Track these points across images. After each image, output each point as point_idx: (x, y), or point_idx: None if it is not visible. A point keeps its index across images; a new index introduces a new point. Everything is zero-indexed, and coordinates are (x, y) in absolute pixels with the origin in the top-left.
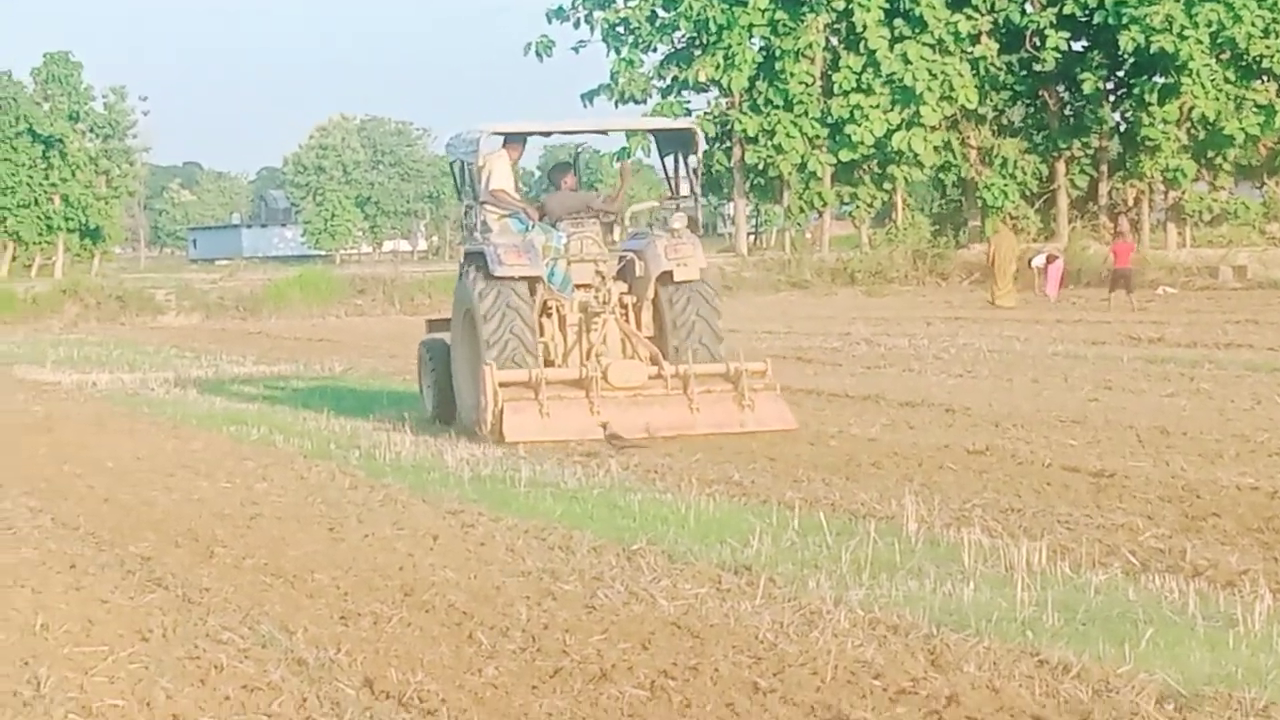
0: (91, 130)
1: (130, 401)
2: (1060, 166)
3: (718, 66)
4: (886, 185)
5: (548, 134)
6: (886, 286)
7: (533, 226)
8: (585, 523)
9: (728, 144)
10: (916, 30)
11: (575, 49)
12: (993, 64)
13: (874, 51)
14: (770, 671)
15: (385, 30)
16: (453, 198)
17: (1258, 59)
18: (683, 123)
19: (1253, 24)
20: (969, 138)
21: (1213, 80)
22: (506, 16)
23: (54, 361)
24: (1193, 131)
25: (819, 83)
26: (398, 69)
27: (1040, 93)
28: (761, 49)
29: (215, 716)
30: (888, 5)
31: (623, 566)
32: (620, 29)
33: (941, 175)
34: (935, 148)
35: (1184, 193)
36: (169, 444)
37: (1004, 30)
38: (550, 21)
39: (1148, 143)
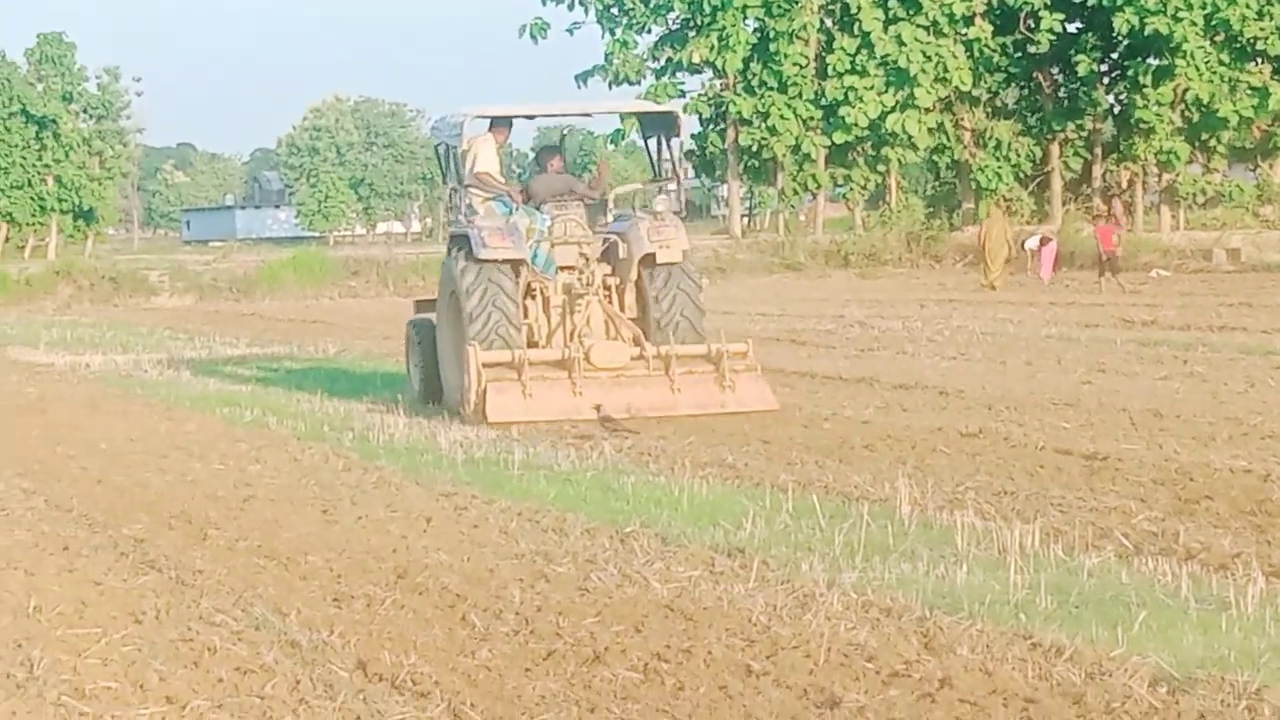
0: (85, 111)
1: (124, 383)
2: (1054, 149)
3: (712, 48)
4: (880, 167)
5: (532, 117)
6: (880, 269)
7: (517, 209)
8: (578, 505)
9: (722, 125)
10: (911, 12)
11: (570, 30)
12: (987, 46)
13: (868, 33)
14: (763, 654)
15: (379, 11)
16: None
17: (1252, 41)
18: (665, 106)
19: (1247, 6)
20: (963, 120)
21: (1207, 62)
22: None
23: (47, 343)
24: (1187, 114)
25: (813, 64)
26: (392, 50)
27: (1034, 75)
28: (756, 30)
29: (208, 698)
30: None
31: (616, 549)
32: (615, 10)
33: (935, 157)
34: (929, 130)
35: (1178, 175)
36: (162, 426)
37: (998, 12)
38: (545, 3)
39: (1142, 125)
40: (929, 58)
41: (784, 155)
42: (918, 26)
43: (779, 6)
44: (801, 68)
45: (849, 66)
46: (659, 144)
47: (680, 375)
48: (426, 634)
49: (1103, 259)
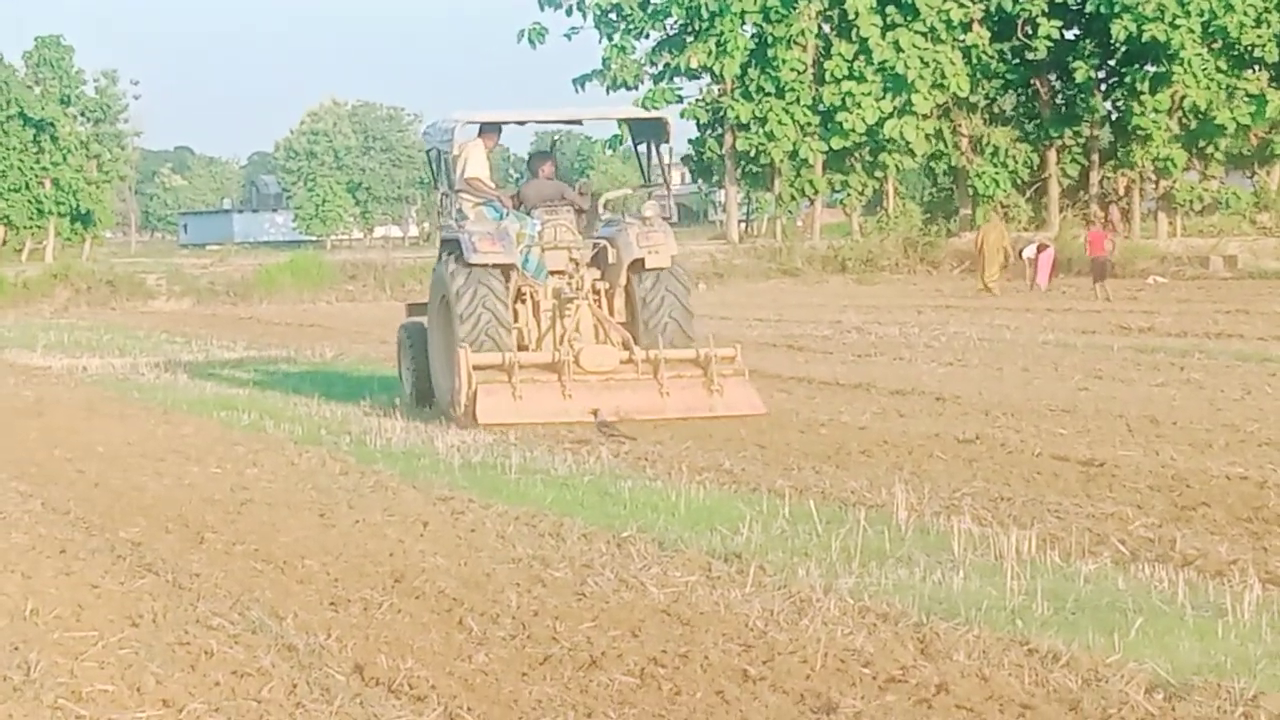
0: (83, 114)
1: (121, 386)
2: (1051, 155)
3: (710, 53)
4: (878, 173)
5: (523, 123)
6: (877, 274)
7: (507, 214)
8: (576, 510)
9: (719, 131)
10: (908, 18)
11: (568, 35)
12: (984, 52)
13: (866, 39)
14: (760, 659)
15: (377, 15)
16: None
17: (1249, 48)
18: (655, 113)
19: (1244, 13)
20: (960, 126)
21: (1204, 69)
22: (499, 2)
23: (44, 346)
24: (1184, 121)
25: (811, 70)
26: (390, 54)
27: (1032, 81)
28: (754, 36)
29: (205, 702)
30: None
31: (613, 554)
32: (612, 15)
33: (933, 163)
34: (927, 136)
35: (1175, 182)
36: (159, 429)
37: (996, 18)
38: (543, 9)
39: (1139, 132)
40: (927, 64)
41: (781, 161)
42: (915, 33)
43: (777, 12)
44: (799, 73)
45: (847, 72)
46: (649, 150)
47: (669, 379)
48: (423, 638)
49: (1093, 265)
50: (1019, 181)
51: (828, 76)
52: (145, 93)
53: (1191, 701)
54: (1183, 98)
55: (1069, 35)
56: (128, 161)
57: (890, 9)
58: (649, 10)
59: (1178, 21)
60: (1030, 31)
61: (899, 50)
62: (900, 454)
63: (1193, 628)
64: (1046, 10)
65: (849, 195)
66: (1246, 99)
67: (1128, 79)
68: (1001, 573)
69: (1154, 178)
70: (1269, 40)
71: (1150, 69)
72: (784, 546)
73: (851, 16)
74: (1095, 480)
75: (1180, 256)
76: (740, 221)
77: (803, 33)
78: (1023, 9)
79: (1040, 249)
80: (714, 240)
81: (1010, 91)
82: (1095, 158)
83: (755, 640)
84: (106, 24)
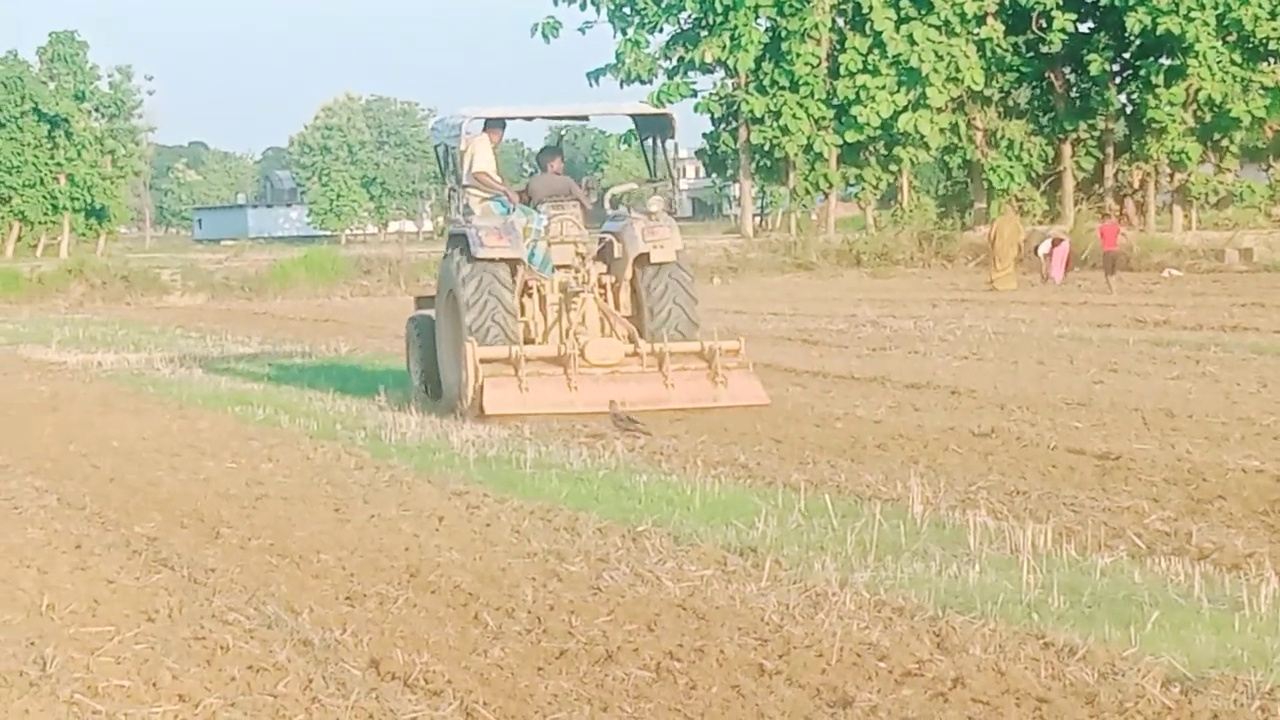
0: (97, 110)
1: (136, 381)
2: (1066, 149)
3: (724, 47)
4: (892, 167)
5: (530, 119)
6: (892, 268)
7: (514, 209)
8: (591, 504)
9: (734, 125)
10: (923, 11)
11: (581, 30)
12: (999, 45)
13: (880, 33)
14: (776, 653)
15: (391, 10)
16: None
17: (1264, 41)
18: (661, 109)
19: (1260, 6)
20: (975, 119)
21: (1219, 62)
22: None
23: (59, 341)
24: (1199, 114)
25: (825, 64)
26: (404, 49)
27: (1046, 74)
28: (768, 30)
29: (221, 697)
30: None
31: (628, 548)
32: (626, 9)
33: (947, 157)
34: (941, 129)
35: (1190, 175)
36: (174, 424)
37: (1010, 11)
38: (557, 3)
39: (1154, 125)
40: (941, 57)
41: (796, 154)
42: (930, 26)
43: (791, 6)
44: (813, 67)
45: (861, 66)
46: (655, 145)
47: (674, 371)
48: (439, 632)
49: (1106, 259)
50: (1034, 175)
51: (842, 70)
52: (159, 88)
53: (1208, 695)
54: (1198, 91)
55: (1084, 28)
56: (142, 157)
57: (904, 2)
58: (663, 4)
59: (1193, 14)
60: (1045, 25)
61: (913, 44)
62: (915, 448)
63: (1209, 621)
64: (1061, 3)
65: (863, 189)
66: (1262, 92)
67: (1142, 72)
68: (1017, 566)
69: (1169, 171)
70: None
71: (1165, 62)
72: (799, 540)
73: (865, 10)
74: (1111, 474)
75: (1195, 250)
76: (755, 215)
77: (817, 26)
78: (1037, 2)
79: (1055, 243)
80: (728, 234)
81: (1025, 85)
82: (1110, 151)
83: (771, 634)
84: (121, 20)
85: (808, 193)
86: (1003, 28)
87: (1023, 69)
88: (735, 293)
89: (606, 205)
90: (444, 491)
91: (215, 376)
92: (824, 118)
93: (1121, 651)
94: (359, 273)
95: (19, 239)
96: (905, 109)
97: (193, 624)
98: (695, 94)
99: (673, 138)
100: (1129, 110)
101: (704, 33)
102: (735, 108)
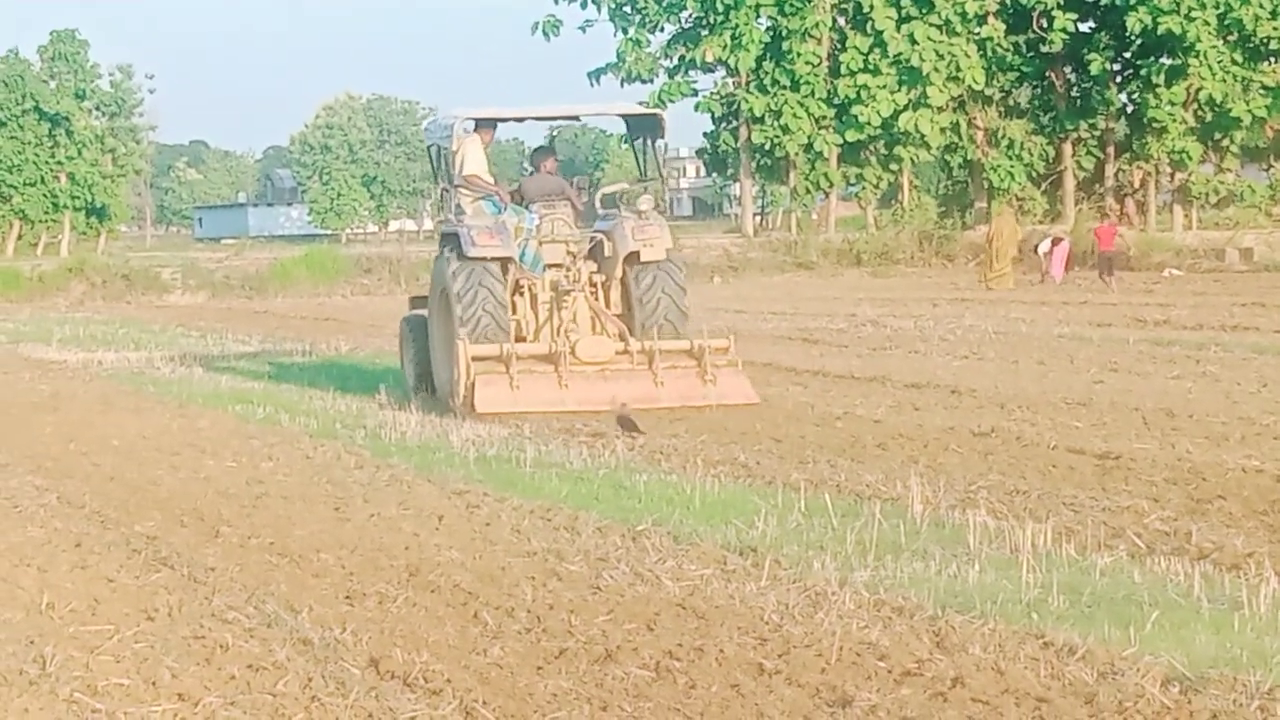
0: (98, 108)
1: (136, 380)
2: (1067, 148)
3: (725, 46)
4: (893, 166)
5: (521, 120)
6: (892, 268)
7: (506, 209)
8: (591, 503)
9: (734, 124)
10: (923, 11)
11: (582, 28)
12: (1000, 45)
13: (881, 32)
14: (775, 653)
15: (391, 9)
16: None
17: (1265, 41)
18: (650, 109)
19: (1260, 5)
20: (975, 119)
21: (1220, 62)
22: None
23: (60, 340)
24: (1199, 113)
25: (826, 63)
26: (404, 48)
27: (1047, 74)
28: (768, 29)
29: (221, 695)
30: None
31: (628, 547)
32: (627, 8)
33: (948, 156)
34: (942, 129)
35: (1190, 175)
36: (175, 423)
37: (1011, 11)
38: (557, 1)
39: (1154, 124)
40: (941, 56)
41: (796, 154)
42: (930, 25)
43: (791, 5)
44: (814, 66)
45: (861, 65)
46: (645, 145)
47: (663, 369)
48: (438, 632)
49: (1102, 260)
50: (1034, 174)
51: (843, 69)
52: (160, 87)
53: (1207, 695)
54: (1198, 90)
55: (1084, 28)
56: (143, 155)
57: (905, 1)
58: (664, 4)
59: (1193, 14)
60: (1045, 24)
61: (914, 43)
62: (915, 447)
63: (1209, 621)
64: (1062, 3)
65: (864, 188)
66: (1262, 91)
67: (1143, 72)
68: (1017, 566)
69: (1169, 170)
70: None
71: (1166, 61)
72: (799, 540)
73: (866, 9)
74: (1111, 473)
75: (1196, 249)
76: (755, 215)
77: (817, 26)
78: (1038, 1)
79: (1055, 242)
80: (729, 234)
81: (1025, 84)
82: (1110, 150)
83: (770, 634)
84: (121, 19)
85: (808, 192)
86: (1003, 27)
87: (1023, 68)
88: (736, 292)
89: (597, 205)
90: (444, 491)
91: (215, 375)
92: (825, 117)
93: (1121, 651)
94: (359, 271)
95: (19, 237)
96: (906, 108)
97: (192, 623)
98: (696, 93)
99: (662, 137)
100: (1130, 110)
101: (705, 32)
102: (736, 107)
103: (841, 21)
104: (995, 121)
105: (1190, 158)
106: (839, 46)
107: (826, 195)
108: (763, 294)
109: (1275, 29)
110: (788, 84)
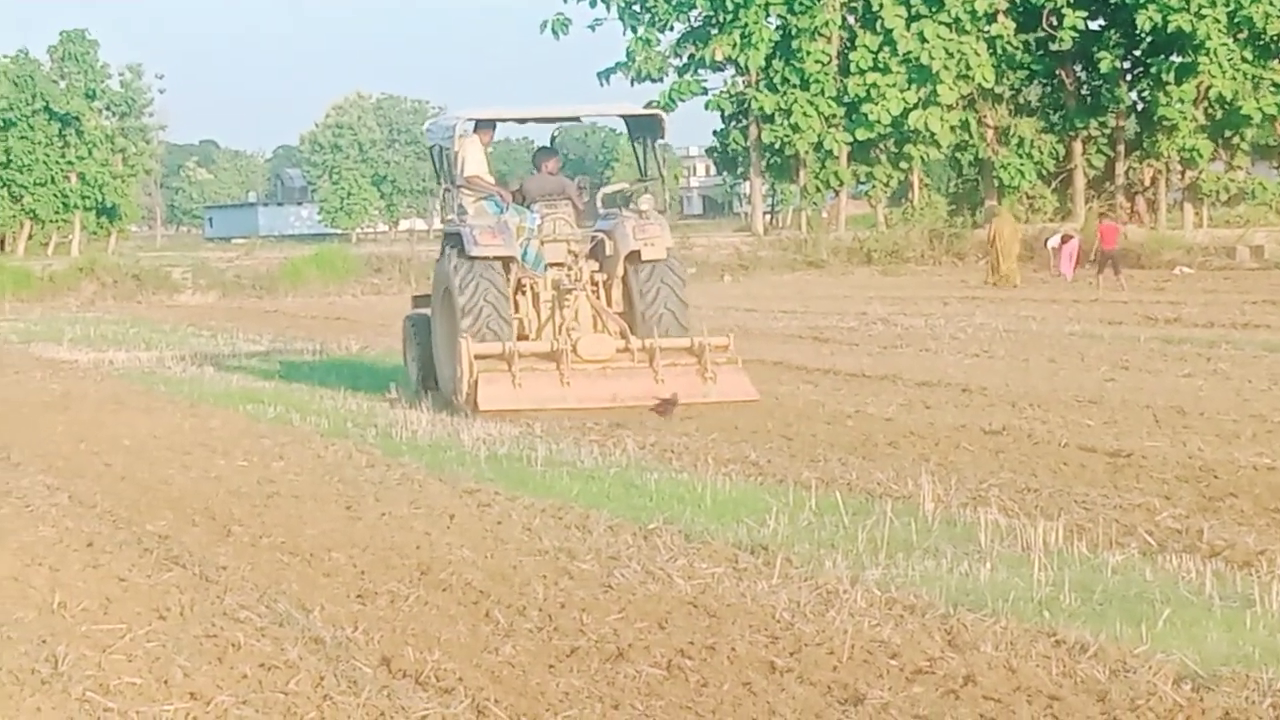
0: (108, 108)
1: (147, 380)
2: (1077, 146)
3: (734, 45)
4: (903, 164)
5: (523, 120)
6: (903, 266)
7: (508, 208)
8: (602, 502)
9: (744, 123)
10: (933, 9)
11: (591, 27)
12: (1010, 43)
13: (890, 30)
14: (787, 651)
15: (401, 8)
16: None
17: (1275, 38)
18: (650, 110)
19: (1270, 3)
20: (986, 117)
21: (1230, 59)
22: None
23: (71, 340)
24: (1210, 111)
25: (835, 61)
26: (414, 47)
27: (1057, 72)
28: (778, 27)
29: (232, 694)
30: None
31: (639, 546)
32: (637, 7)
33: (958, 154)
34: (952, 127)
35: (1201, 172)
36: (186, 422)
37: (1021, 9)
38: (566, 0)
39: (1164, 122)
40: (951, 55)
41: (806, 152)
42: (940, 24)
43: (801, 4)
44: (824, 65)
45: (871, 64)
46: (645, 146)
47: (664, 367)
48: (450, 630)
49: (1104, 257)
50: (1044, 172)
51: (852, 68)
52: (170, 87)
53: (1219, 692)
54: (1208, 88)
55: (1094, 26)
56: (153, 155)
57: (915, 0)
58: (673, 2)
59: (1203, 11)
60: (1055, 22)
61: (924, 41)
62: (927, 445)
63: (1220, 618)
64: (1072, 1)
65: (874, 187)
66: (1272, 89)
67: (1153, 69)
68: (1028, 564)
69: (1180, 168)
70: None
71: (1176, 59)
72: (810, 538)
73: (876, 8)
74: (1122, 471)
75: (1206, 247)
76: (765, 213)
77: (827, 24)
78: None
79: (1064, 239)
80: (739, 232)
81: (1035, 82)
82: (1121, 148)
83: (782, 632)
84: (131, 18)
85: (818, 190)
86: (1013, 25)
87: (1033, 66)
88: (746, 290)
89: (598, 204)
90: (455, 489)
91: (226, 374)
92: (834, 115)
93: (1133, 649)
94: (370, 271)
95: (30, 237)
96: (916, 106)
97: (204, 622)
98: (706, 92)
99: (662, 138)
100: (1140, 108)
101: (714, 30)
102: (746, 105)
103: (851, 20)
104: (1005, 119)
105: (1201, 155)
106: (849, 45)
107: (836, 194)
108: (773, 292)
109: None
110: (797, 82)
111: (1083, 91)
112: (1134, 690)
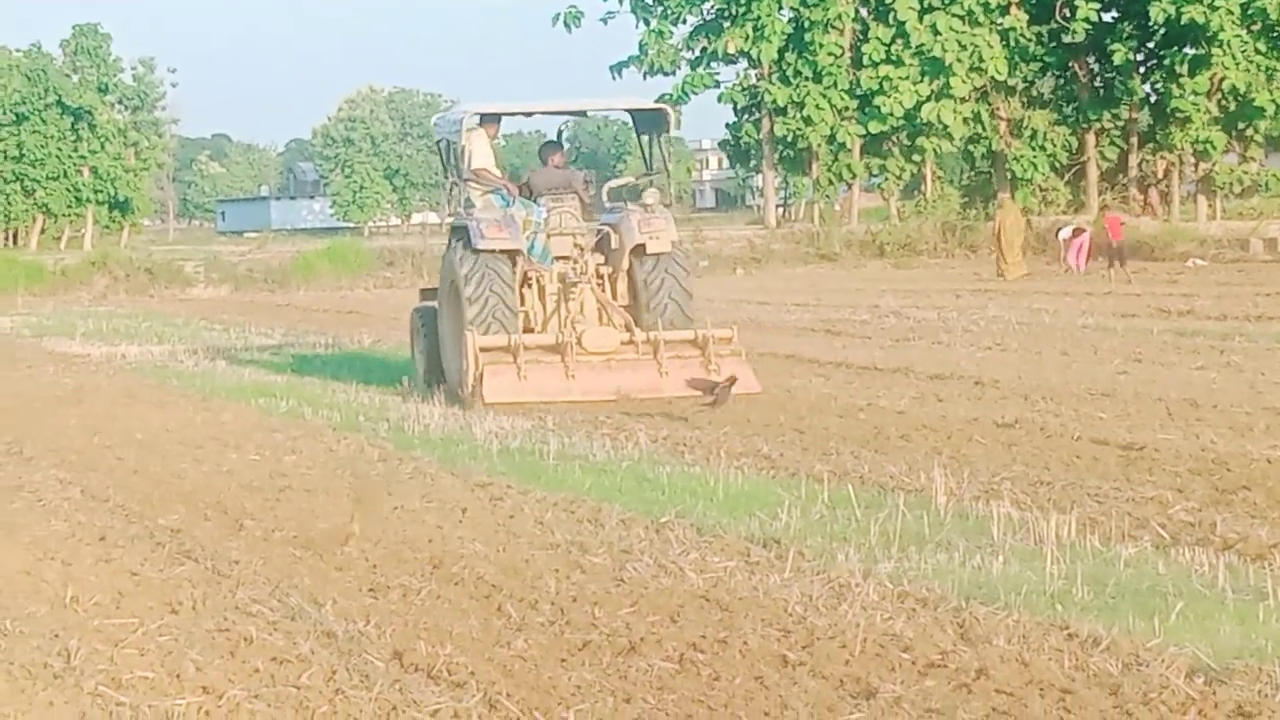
0: (120, 102)
1: (159, 374)
2: (1090, 138)
3: (747, 38)
4: (915, 157)
5: (529, 114)
6: (915, 259)
7: (514, 202)
8: (614, 495)
9: (756, 115)
10: (946, 1)
11: (604, 20)
12: (1022, 35)
13: (903, 23)
14: (799, 644)
15: (414, 2)
16: None
17: None
18: (656, 104)
19: None
20: (998, 109)
21: (1243, 51)
22: None
23: (83, 334)
24: (1223, 103)
25: (848, 54)
26: (426, 40)
27: (1070, 64)
28: (791, 20)
29: (245, 688)
30: None
31: (651, 539)
32: (649, 0)
33: (971, 147)
34: (964, 119)
35: (1214, 165)
36: (198, 416)
37: (1034, 1)
38: None
39: (1178, 114)
40: (964, 47)
41: (819, 145)
42: (953, 16)
43: None
44: (836, 57)
45: (884, 56)
46: (651, 140)
47: (668, 359)
48: (462, 624)
49: (1112, 250)
50: (1057, 165)
51: (865, 60)
52: (182, 80)
53: (1232, 685)
54: (1222, 80)
55: (1107, 17)
56: (165, 149)
57: None
58: None
59: (1217, 3)
60: (1068, 14)
61: (936, 33)
62: (939, 438)
63: (1233, 611)
64: None
65: (887, 179)
66: None
67: (1166, 61)
68: (1041, 557)
69: (1193, 160)
70: None
71: (1189, 51)
72: (823, 531)
73: (888, 0)
74: (1135, 464)
75: (1220, 239)
76: (778, 206)
77: (840, 17)
78: None
79: (1076, 232)
80: (751, 225)
81: (1048, 74)
82: (1134, 141)
83: (794, 626)
84: (143, 12)
85: (831, 183)
86: (1026, 17)
87: (1046, 58)
88: (758, 283)
89: (604, 198)
90: (467, 483)
91: (238, 368)
92: (847, 108)
93: (1146, 642)
94: (382, 264)
95: (43, 231)
96: (928, 99)
97: (216, 616)
98: (718, 85)
99: (668, 132)
100: (1153, 100)
101: (727, 23)
102: (758, 98)
103: (864, 12)
104: (1018, 112)
105: (1214, 148)
106: (861, 37)
107: (849, 186)
108: (785, 285)
109: None
110: (810, 75)
111: (1096, 84)
112: (1147, 684)
